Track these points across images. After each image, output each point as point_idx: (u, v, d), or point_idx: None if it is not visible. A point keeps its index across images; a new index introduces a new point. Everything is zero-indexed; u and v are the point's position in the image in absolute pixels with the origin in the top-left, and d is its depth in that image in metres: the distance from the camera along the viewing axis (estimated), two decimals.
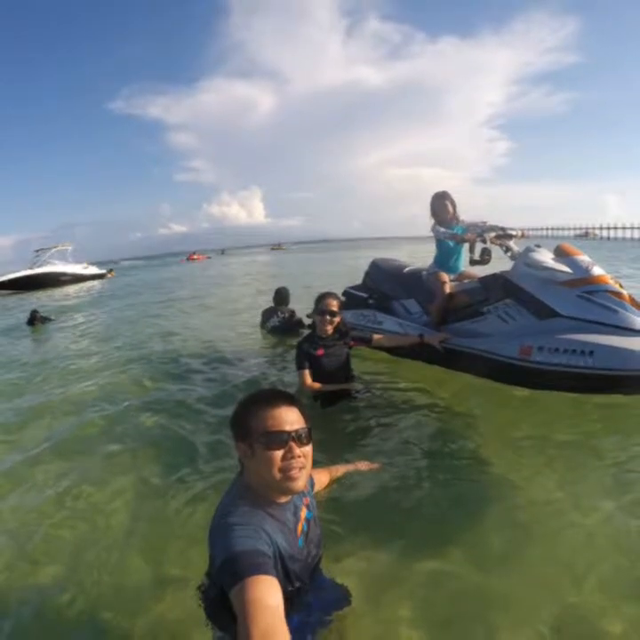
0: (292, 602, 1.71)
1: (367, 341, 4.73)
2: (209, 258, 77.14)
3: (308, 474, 1.85)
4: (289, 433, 1.75)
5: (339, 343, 4.42)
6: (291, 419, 1.78)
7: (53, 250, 40.62)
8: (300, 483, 1.77)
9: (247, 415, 1.82)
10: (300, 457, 1.75)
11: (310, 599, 1.89)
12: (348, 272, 15.73)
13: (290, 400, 1.86)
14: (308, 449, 1.81)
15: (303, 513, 1.92)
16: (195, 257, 75.85)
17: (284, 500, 1.82)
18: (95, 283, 35.60)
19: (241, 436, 1.82)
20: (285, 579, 1.70)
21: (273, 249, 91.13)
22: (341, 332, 4.44)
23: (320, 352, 4.32)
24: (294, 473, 1.74)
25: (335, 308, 4.32)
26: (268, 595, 1.41)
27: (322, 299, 4.38)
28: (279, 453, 1.73)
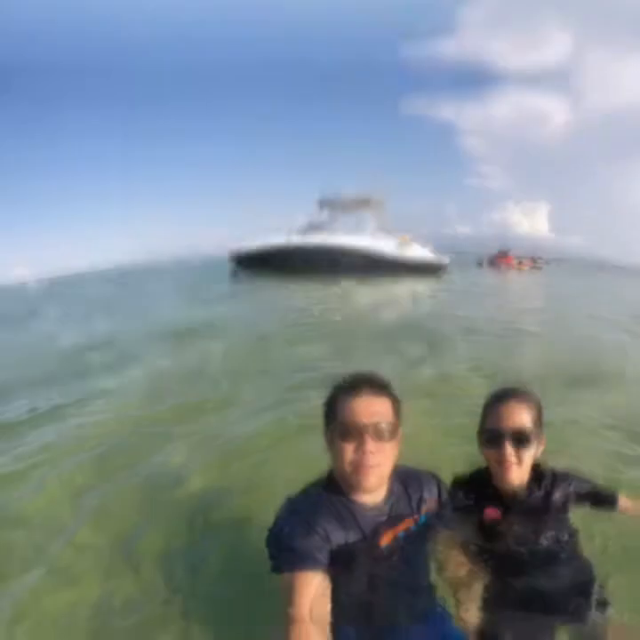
0: (351, 607, 1.68)
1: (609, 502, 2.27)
2: (538, 267, 51.20)
3: (385, 474, 1.77)
4: (365, 425, 1.66)
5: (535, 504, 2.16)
6: (372, 410, 1.69)
7: (345, 200, 29.12)
8: (369, 480, 1.69)
9: (333, 400, 1.78)
10: (372, 453, 1.66)
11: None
12: None
13: (378, 389, 1.76)
14: (389, 446, 1.71)
15: (405, 525, 1.83)
16: (507, 262, 49.44)
17: (364, 497, 1.76)
18: (419, 285, 22.66)
19: (326, 422, 1.80)
20: (347, 573, 1.68)
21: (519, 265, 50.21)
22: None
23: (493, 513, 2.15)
24: (364, 469, 1.67)
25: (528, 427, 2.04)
26: (304, 589, 1.50)
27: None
28: (351, 446, 1.67)
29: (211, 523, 3.08)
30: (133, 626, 2.32)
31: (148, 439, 4.59)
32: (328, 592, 1.56)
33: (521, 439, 2.01)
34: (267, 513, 2.68)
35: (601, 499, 2.22)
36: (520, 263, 48.78)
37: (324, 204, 29.31)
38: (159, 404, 5.66)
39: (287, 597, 1.50)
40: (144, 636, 2.26)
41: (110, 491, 3.64)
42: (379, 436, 1.68)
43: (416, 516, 1.90)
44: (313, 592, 1.51)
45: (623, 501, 2.22)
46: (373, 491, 1.76)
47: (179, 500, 3.44)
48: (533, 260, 53.68)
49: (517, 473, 2.05)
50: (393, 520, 1.81)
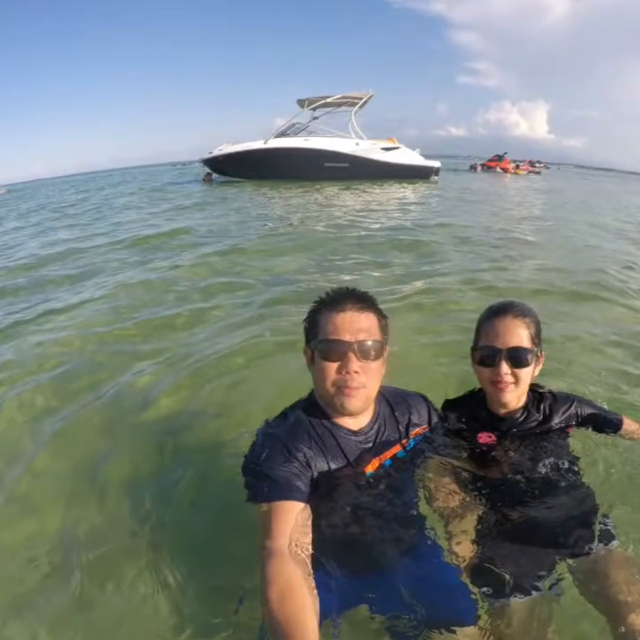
0: (334, 540, 1.67)
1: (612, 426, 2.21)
2: (536, 171, 49.21)
3: (371, 396, 1.75)
4: (349, 343, 1.63)
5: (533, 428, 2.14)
6: (357, 326, 1.66)
7: (328, 99, 27.74)
8: (353, 403, 1.67)
9: (314, 316, 1.75)
10: (357, 373, 1.63)
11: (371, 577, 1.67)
12: None
13: (363, 303, 1.72)
14: (374, 366, 1.69)
15: (392, 451, 1.83)
16: (503, 166, 46.21)
17: (348, 421, 1.76)
18: (407, 191, 22.86)
19: (306, 340, 1.79)
20: (329, 503, 1.68)
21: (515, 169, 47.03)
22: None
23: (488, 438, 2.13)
24: (348, 391, 1.65)
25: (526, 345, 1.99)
26: (283, 520, 1.48)
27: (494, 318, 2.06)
28: (334, 365, 1.65)
29: (181, 448, 3.04)
30: (98, 558, 2.28)
31: (114, 358, 4.51)
32: (309, 523, 1.53)
33: (518, 357, 1.95)
34: (242, 438, 2.65)
35: (604, 422, 2.18)
36: (517, 167, 47.42)
37: (304, 103, 28.26)
38: (125, 320, 5.54)
39: (264, 529, 1.47)
40: (110, 569, 2.22)
41: (73, 413, 3.57)
42: (364, 354, 1.64)
43: (404, 441, 1.88)
44: (292, 523, 1.48)
45: (628, 424, 2.19)
46: (358, 414, 1.74)
47: (147, 424, 3.39)
48: (531, 163, 53.10)
49: (514, 394, 2.01)
50: (379, 446, 1.79)
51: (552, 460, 2.02)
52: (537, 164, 53.94)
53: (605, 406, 2.36)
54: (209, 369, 4.10)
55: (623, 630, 1.47)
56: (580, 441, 2.20)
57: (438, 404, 2.22)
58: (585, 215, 16.13)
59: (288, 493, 1.54)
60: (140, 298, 6.36)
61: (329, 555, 1.63)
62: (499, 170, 45.72)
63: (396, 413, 1.92)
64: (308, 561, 1.44)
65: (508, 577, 1.65)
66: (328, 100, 27.53)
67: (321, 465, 1.68)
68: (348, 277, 7.08)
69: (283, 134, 27.45)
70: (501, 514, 1.89)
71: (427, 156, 29.11)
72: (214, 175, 28.78)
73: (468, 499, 1.94)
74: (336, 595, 1.55)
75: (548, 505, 1.91)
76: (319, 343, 1.68)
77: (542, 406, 2.13)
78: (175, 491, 2.67)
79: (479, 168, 48.19)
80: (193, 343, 4.72)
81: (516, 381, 1.97)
